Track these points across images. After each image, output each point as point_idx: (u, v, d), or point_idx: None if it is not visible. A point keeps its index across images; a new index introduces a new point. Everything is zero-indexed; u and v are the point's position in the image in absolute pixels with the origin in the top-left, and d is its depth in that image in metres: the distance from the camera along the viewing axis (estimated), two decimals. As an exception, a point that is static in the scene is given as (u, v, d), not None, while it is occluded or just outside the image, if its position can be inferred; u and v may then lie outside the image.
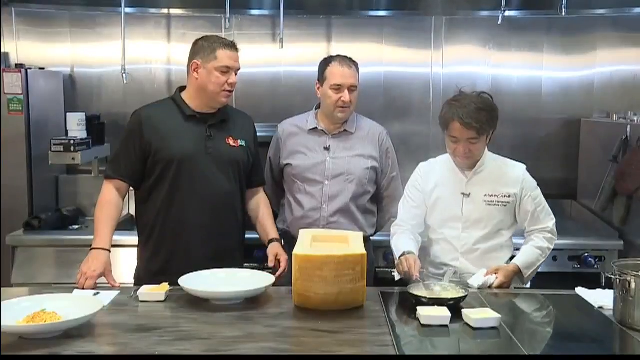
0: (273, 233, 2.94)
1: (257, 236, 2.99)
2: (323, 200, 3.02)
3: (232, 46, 2.77)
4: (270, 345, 1.98)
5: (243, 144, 2.84)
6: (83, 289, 2.51)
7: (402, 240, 2.69)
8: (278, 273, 2.75)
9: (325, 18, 4.22)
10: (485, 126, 2.57)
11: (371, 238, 3.19)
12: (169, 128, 2.74)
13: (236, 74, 2.77)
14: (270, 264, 2.83)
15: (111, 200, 2.73)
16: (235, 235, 2.88)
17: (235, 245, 2.89)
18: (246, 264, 2.99)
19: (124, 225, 3.21)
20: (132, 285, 2.68)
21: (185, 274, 2.47)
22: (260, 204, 3.00)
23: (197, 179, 2.72)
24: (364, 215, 3.10)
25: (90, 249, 2.64)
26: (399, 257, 2.61)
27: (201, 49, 2.74)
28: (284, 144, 3.13)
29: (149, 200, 2.77)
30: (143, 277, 2.73)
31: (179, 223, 2.73)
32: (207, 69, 2.71)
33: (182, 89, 2.84)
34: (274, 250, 2.86)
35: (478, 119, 2.54)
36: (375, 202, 3.18)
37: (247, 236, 2.97)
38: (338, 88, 2.96)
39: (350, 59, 3.03)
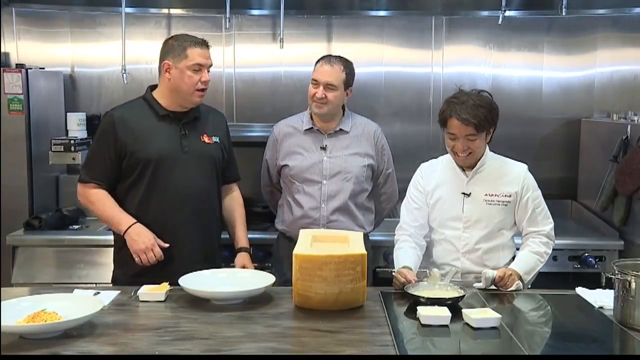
0: (243, 241, 2.93)
1: (225, 235, 2.94)
2: (322, 200, 3.03)
3: (203, 43, 2.73)
4: (270, 345, 1.98)
5: (217, 140, 2.83)
6: (154, 261, 2.57)
7: (402, 254, 2.69)
8: None
9: (325, 18, 4.22)
10: (484, 122, 2.57)
11: (370, 236, 3.20)
12: (143, 128, 2.71)
13: (209, 71, 2.74)
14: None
15: (100, 194, 2.70)
16: (215, 233, 2.89)
17: (215, 244, 2.90)
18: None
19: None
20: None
21: (167, 275, 2.48)
22: (234, 205, 2.98)
23: (175, 179, 2.69)
24: (363, 212, 3.11)
25: (125, 232, 2.63)
26: (394, 272, 2.59)
27: (171, 48, 2.70)
28: (280, 145, 3.14)
29: (125, 202, 2.72)
30: (122, 280, 2.70)
31: (158, 224, 2.69)
32: (179, 68, 2.68)
33: (153, 87, 2.81)
34: (242, 261, 2.86)
35: (476, 115, 2.55)
36: (372, 199, 3.19)
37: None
38: (315, 83, 2.99)
39: (340, 58, 3.04)
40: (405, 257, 2.66)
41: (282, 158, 3.11)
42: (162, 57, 2.72)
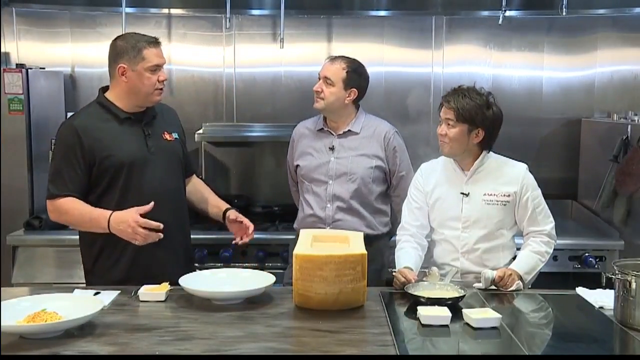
0: (224, 205, 2.91)
1: (225, 235, 2.92)
2: (327, 200, 3.05)
3: (156, 42, 2.68)
4: (270, 345, 1.98)
5: (176, 136, 2.82)
6: (147, 234, 2.49)
7: (403, 254, 2.69)
8: (248, 237, 2.80)
9: (325, 18, 4.22)
10: (464, 113, 2.58)
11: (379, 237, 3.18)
12: (107, 134, 2.65)
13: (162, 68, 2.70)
14: (237, 223, 2.83)
15: (71, 201, 2.60)
16: (188, 230, 2.89)
17: (189, 241, 2.91)
18: (210, 264, 2.95)
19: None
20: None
21: (151, 276, 2.48)
22: (199, 187, 2.99)
23: (148, 180, 2.65)
24: (374, 214, 3.10)
25: (108, 225, 2.54)
26: (395, 272, 2.59)
27: (124, 51, 2.63)
28: (296, 145, 3.19)
29: None
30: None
31: None
32: (137, 71, 2.62)
33: (105, 89, 2.75)
34: (234, 213, 2.84)
35: (459, 102, 2.59)
36: (388, 202, 3.19)
37: (214, 236, 2.90)
38: (318, 78, 3.05)
39: (345, 57, 3.08)
40: (407, 258, 2.66)
41: (296, 158, 3.16)
42: (115, 60, 2.64)
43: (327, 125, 3.12)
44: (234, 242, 2.84)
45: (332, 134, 3.11)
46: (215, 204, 2.94)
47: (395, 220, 3.20)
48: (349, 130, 3.10)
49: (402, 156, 3.14)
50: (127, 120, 2.69)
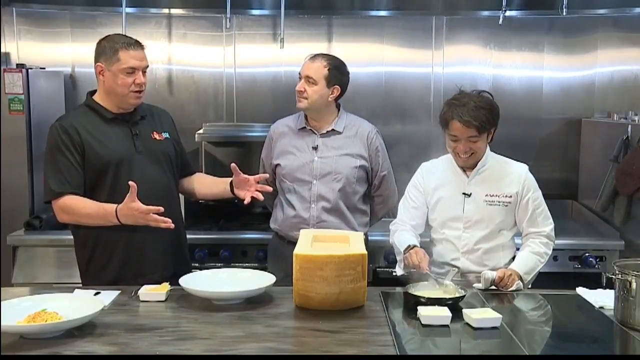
0: (228, 179, 2.88)
1: (225, 235, 2.86)
2: (312, 200, 3.02)
3: (136, 45, 2.66)
4: (270, 345, 1.98)
5: (167, 136, 2.81)
6: (158, 218, 2.48)
7: (405, 235, 2.70)
8: (253, 187, 2.79)
9: (325, 18, 4.22)
10: (485, 124, 2.58)
11: (368, 236, 3.18)
12: (95, 134, 2.65)
13: (145, 72, 2.68)
14: (242, 184, 2.83)
15: (76, 198, 2.60)
16: (181, 228, 2.88)
17: (184, 240, 2.91)
18: (210, 264, 2.94)
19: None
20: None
21: (144, 276, 2.52)
22: (200, 178, 3.02)
23: (136, 179, 2.60)
24: (355, 214, 3.09)
25: (118, 219, 2.54)
26: (405, 251, 2.61)
27: (103, 50, 2.63)
28: (274, 144, 3.13)
29: None
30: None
31: (126, 227, 2.60)
32: (112, 71, 2.62)
33: (93, 92, 2.76)
34: (237, 174, 2.82)
35: (477, 117, 2.55)
36: (368, 202, 3.18)
37: (214, 236, 2.86)
38: (300, 78, 3.02)
39: (326, 55, 3.06)
40: (407, 236, 2.67)
41: (275, 157, 3.11)
42: (95, 59, 2.66)
43: (308, 124, 3.08)
44: (245, 202, 2.81)
45: (314, 132, 3.07)
46: (221, 181, 2.94)
47: (374, 219, 3.22)
48: (333, 130, 3.06)
49: (384, 156, 3.14)
50: (114, 120, 2.70)
